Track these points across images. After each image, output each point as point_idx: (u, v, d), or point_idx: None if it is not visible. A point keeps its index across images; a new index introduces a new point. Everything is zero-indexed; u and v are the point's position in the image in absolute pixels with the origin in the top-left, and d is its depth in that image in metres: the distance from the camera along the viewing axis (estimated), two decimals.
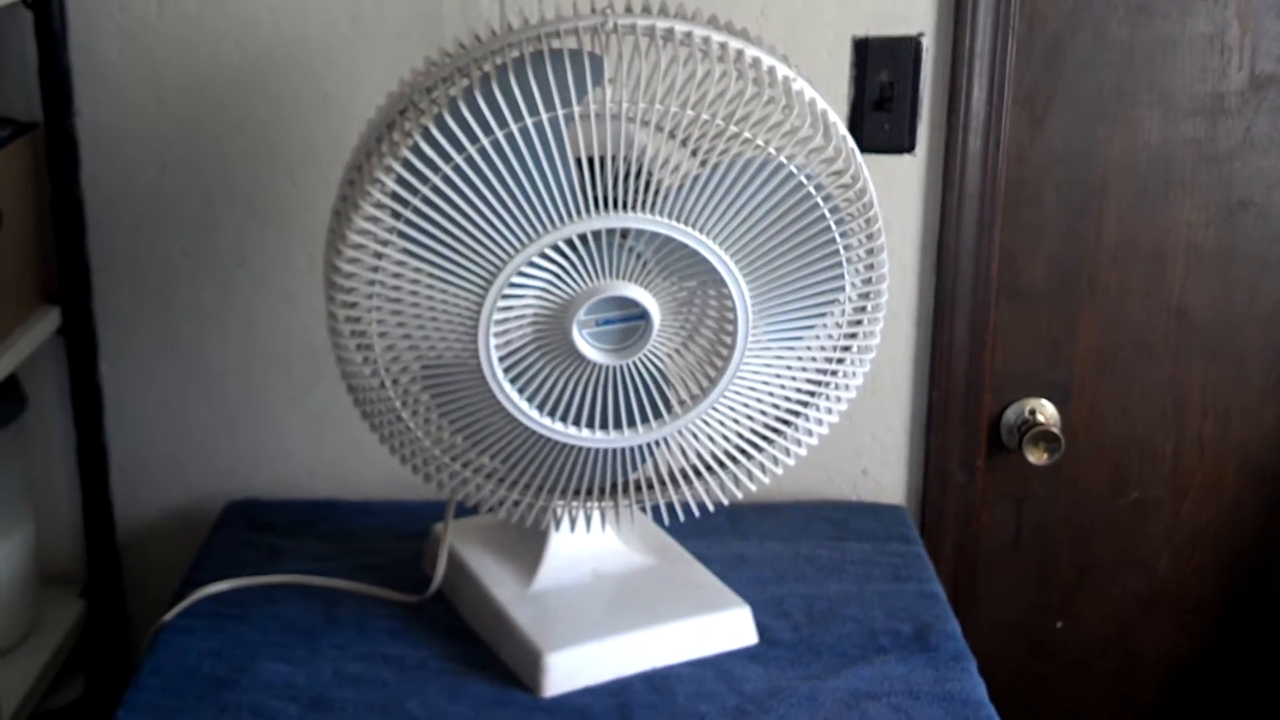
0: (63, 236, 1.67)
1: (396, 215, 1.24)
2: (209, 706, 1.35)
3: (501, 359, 1.29)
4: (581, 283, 1.27)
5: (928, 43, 1.67)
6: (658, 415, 1.34)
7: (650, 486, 1.42)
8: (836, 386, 1.39)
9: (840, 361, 1.38)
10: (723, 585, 1.50)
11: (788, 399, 1.38)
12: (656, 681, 1.39)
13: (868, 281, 1.34)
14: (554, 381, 1.31)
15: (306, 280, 1.71)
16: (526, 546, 1.49)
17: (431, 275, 1.26)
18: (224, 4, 1.64)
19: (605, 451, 1.36)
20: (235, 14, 1.64)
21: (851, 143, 1.29)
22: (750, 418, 1.38)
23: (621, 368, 1.31)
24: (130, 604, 1.82)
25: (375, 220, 1.25)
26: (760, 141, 1.24)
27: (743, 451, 1.40)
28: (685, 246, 1.26)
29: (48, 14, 1.60)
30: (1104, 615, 1.92)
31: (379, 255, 1.26)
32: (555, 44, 1.23)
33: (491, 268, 1.24)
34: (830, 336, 1.36)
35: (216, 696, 1.36)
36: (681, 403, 1.35)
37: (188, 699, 1.36)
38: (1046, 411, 1.83)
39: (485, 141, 1.20)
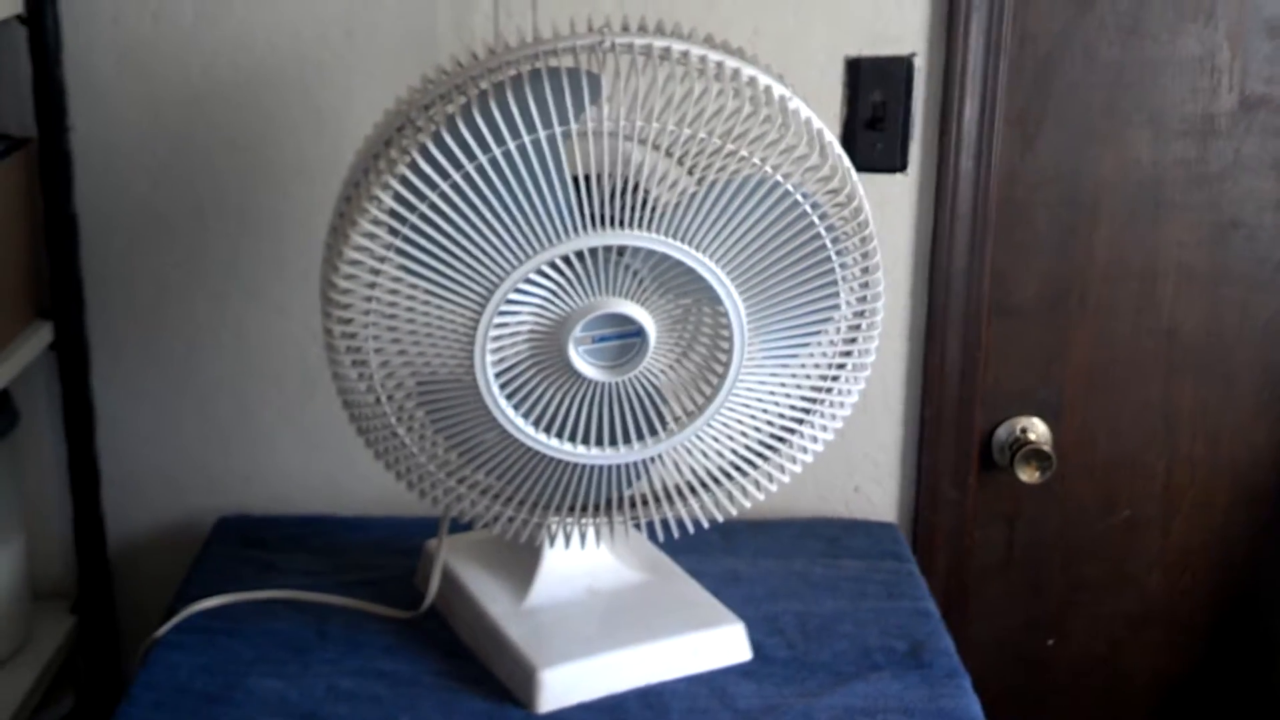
0: (55, 251, 1.67)
1: (394, 232, 1.24)
2: None
3: (497, 375, 1.29)
4: (578, 300, 1.27)
5: (920, 63, 1.67)
6: (653, 432, 1.34)
7: (645, 503, 1.42)
8: (831, 404, 1.39)
9: (835, 379, 1.38)
10: (717, 602, 1.50)
11: (782, 416, 1.38)
12: (651, 698, 1.39)
13: (863, 300, 1.34)
14: (550, 398, 1.31)
15: (299, 295, 1.71)
16: (520, 562, 1.49)
17: (428, 292, 1.26)
18: (218, 20, 1.64)
19: (600, 468, 1.36)
20: (229, 30, 1.64)
21: (847, 161, 1.29)
22: (745, 434, 1.38)
23: (617, 384, 1.31)
24: (121, 619, 1.82)
25: (372, 236, 1.25)
26: (756, 159, 1.24)
27: (737, 468, 1.40)
28: (681, 264, 1.26)
29: (42, 29, 1.60)
30: (1095, 633, 1.93)
31: (376, 271, 1.26)
32: (553, 62, 1.23)
33: (488, 284, 1.25)
34: (825, 354, 1.37)
35: (209, 712, 1.36)
36: (677, 419, 1.35)
37: (180, 714, 1.36)
38: (1038, 430, 1.84)
39: (483, 159, 1.20)
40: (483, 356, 1.27)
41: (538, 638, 1.40)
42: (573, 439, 1.33)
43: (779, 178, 1.25)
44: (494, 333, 1.27)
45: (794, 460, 1.41)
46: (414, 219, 1.23)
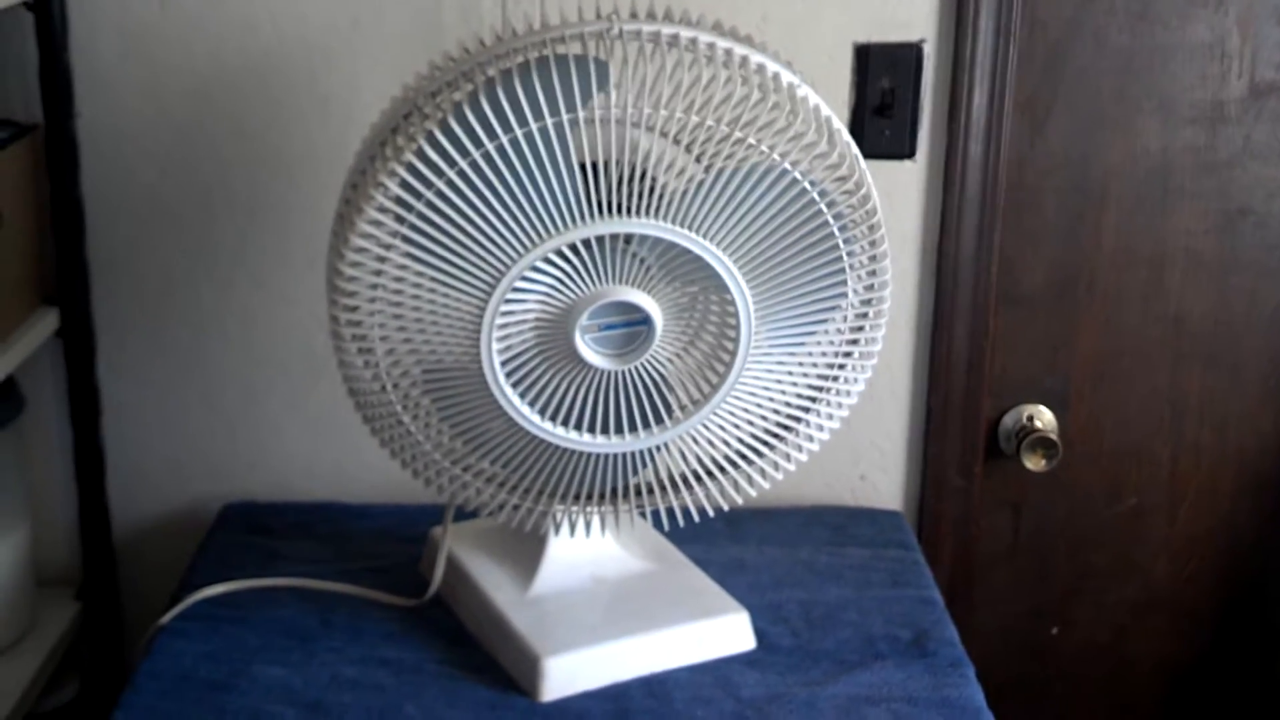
0: (62, 238, 1.66)
1: (400, 219, 1.24)
2: (206, 710, 1.34)
3: (503, 364, 1.29)
4: (584, 288, 1.27)
5: (929, 49, 1.67)
6: (659, 420, 1.34)
7: (650, 491, 1.42)
8: (838, 392, 1.39)
9: (842, 367, 1.38)
10: (721, 590, 1.49)
11: (789, 404, 1.38)
12: (654, 686, 1.39)
13: (870, 288, 1.34)
14: (556, 386, 1.31)
15: (305, 283, 1.70)
16: (525, 551, 1.48)
17: (434, 280, 1.26)
18: (224, 6, 1.63)
19: (606, 456, 1.36)
20: (236, 16, 1.64)
21: (855, 148, 1.29)
22: (751, 423, 1.38)
23: (623, 373, 1.31)
24: (126, 606, 1.82)
25: (379, 224, 1.24)
26: (764, 147, 1.24)
27: (743, 456, 1.40)
28: (688, 252, 1.26)
29: (48, 16, 1.60)
30: (1100, 622, 1.92)
31: (382, 259, 1.26)
32: (560, 49, 1.22)
33: (495, 272, 1.24)
34: (832, 342, 1.36)
35: (213, 700, 1.36)
36: (683, 407, 1.35)
37: (184, 702, 1.36)
38: (1044, 418, 1.83)
39: (490, 146, 1.20)
40: (489, 344, 1.27)
41: (542, 626, 1.40)
42: (578, 427, 1.33)
43: (787, 165, 1.25)
44: (500, 320, 1.26)
45: (800, 448, 1.40)
46: (420, 206, 1.22)
